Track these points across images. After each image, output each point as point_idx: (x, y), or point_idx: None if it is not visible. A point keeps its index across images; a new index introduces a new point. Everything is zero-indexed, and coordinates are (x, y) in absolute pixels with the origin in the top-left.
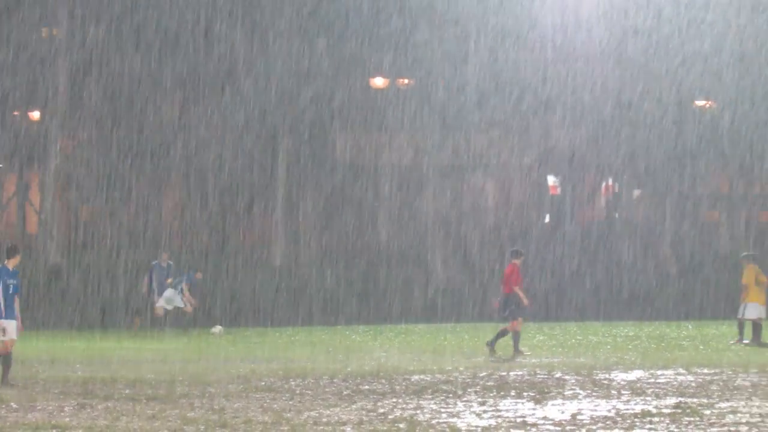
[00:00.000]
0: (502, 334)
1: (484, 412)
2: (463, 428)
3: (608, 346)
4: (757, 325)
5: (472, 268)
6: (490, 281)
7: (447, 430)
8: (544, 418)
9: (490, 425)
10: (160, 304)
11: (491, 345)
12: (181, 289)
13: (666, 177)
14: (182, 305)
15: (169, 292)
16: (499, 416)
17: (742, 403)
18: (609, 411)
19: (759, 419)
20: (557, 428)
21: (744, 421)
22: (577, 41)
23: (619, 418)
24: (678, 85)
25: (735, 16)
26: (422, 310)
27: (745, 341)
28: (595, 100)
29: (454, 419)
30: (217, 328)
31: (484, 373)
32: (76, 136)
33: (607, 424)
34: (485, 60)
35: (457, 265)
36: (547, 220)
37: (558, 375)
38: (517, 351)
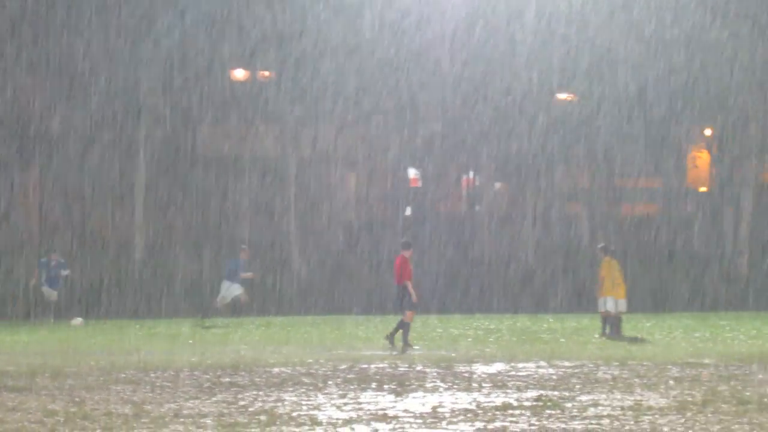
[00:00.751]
0: (401, 326)
1: (345, 404)
2: (324, 421)
3: (469, 339)
4: (616, 318)
5: (332, 261)
6: (351, 274)
7: (307, 422)
8: (405, 410)
9: (350, 418)
10: (219, 298)
11: (405, 342)
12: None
13: (527, 170)
14: (237, 294)
15: (225, 285)
16: (359, 409)
17: (603, 396)
18: (470, 404)
19: (620, 412)
20: (418, 421)
21: (605, 414)
22: (438, 34)
23: (480, 411)
24: (538, 79)
25: (597, 11)
26: (282, 303)
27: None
28: (456, 93)
29: (315, 412)
30: (77, 320)
31: (345, 366)
32: None
33: (468, 417)
34: (347, 53)
35: (318, 257)
36: (408, 212)
37: (419, 368)
38: (390, 339)
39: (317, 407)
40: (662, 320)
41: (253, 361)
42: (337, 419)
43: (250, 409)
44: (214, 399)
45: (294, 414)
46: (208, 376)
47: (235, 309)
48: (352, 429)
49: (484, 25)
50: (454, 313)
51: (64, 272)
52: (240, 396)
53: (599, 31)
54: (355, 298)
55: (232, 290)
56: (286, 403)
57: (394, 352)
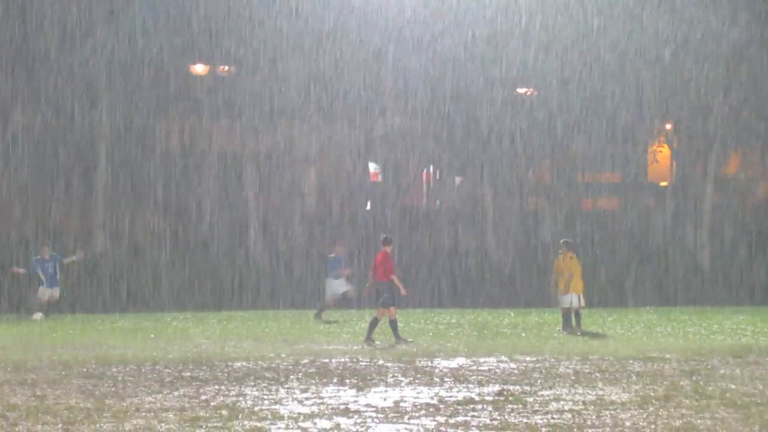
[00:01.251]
0: (374, 323)
1: (307, 399)
2: (286, 415)
3: (430, 334)
4: (577, 314)
5: (293, 255)
6: (312, 268)
7: (269, 417)
8: (367, 405)
9: (312, 412)
10: (331, 294)
11: (368, 337)
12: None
13: (488, 164)
14: (345, 289)
15: (334, 283)
16: (321, 403)
17: (565, 390)
18: (432, 398)
19: (582, 407)
20: (380, 415)
21: (567, 408)
22: (398, 28)
23: (441, 406)
24: (499, 73)
25: (557, 6)
26: (244, 297)
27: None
28: (416, 88)
29: (277, 406)
30: (38, 315)
31: (306, 360)
32: None
33: (430, 412)
34: (307, 48)
35: (280, 252)
36: (368, 207)
37: (380, 362)
38: (399, 338)
39: (279, 402)
40: (624, 315)
41: (215, 356)
42: (299, 414)
43: (212, 404)
44: (175, 393)
45: (256, 408)
46: (169, 371)
47: (344, 303)
48: (314, 423)
49: (445, 19)
50: (416, 308)
51: (67, 260)
52: (201, 390)
53: (560, 26)
54: (317, 293)
55: (336, 286)
56: (247, 397)
57: (405, 346)
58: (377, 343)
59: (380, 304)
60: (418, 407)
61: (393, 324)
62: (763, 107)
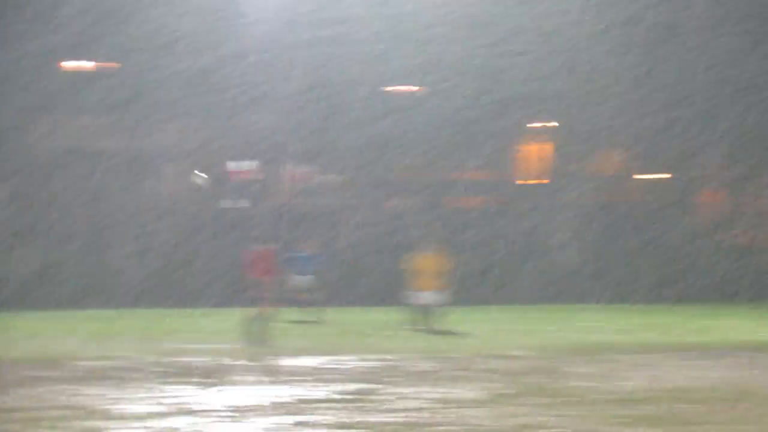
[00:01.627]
0: (258, 320)
1: (151, 398)
2: (128, 415)
3: (295, 333)
4: (433, 312)
5: (154, 253)
6: (171, 266)
7: (110, 416)
8: (209, 404)
9: (158, 412)
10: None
11: (252, 335)
12: None
13: (359, 163)
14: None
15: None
16: (161, 403)
17: (412, 389)
18: (278, 397)
19: (428, 404)
20: (221, 414)
21: (414, 406)
22: (273, 26)
23: (286, 405)
24: (372, 70)
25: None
26: (98, 295)
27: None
28: (288, 84)
29: (119, 405)
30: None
31: (152, 359)
32: None
33: (275, 411)
34: (182, 44)
35: (140, 250)
36: (226, 204)
37: (228, 361)
38: (261, 338)
39: (121, 400)
40: (470, 313)
41: (60, 354)
42: (142, 413)
43: (53, 403)
44: (18, 393)
45: (97, 408)
46: (12, 370)
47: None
48: (152, 424)
49: (319, 15)
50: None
51: None
52: (42, 390)
53: (437, 21)
54: (179, 291)
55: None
56: (91, 396)
57: (258, 346)
58: (272, 341)
59: (259, 302)
60: (275, 405)
61: (260, 322)
62: (640, 104)
